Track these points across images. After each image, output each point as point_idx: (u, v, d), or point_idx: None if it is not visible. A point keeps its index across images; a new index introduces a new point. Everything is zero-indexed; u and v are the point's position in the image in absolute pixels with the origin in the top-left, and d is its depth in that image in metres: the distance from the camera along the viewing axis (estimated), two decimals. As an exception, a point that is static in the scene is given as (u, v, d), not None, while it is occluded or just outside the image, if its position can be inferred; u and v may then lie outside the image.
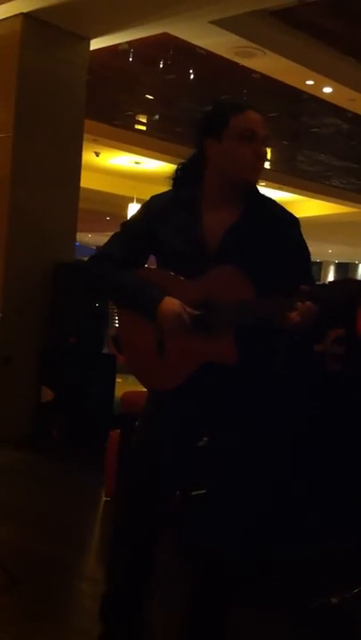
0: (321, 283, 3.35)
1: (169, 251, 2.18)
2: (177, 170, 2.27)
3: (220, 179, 2.16)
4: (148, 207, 2.25)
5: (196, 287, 2.13)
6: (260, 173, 2.17)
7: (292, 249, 2.19)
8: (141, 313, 2.17)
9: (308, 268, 2.25)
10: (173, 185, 2.27)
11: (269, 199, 2.23)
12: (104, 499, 4.26)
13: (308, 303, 2.00)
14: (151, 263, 2.31)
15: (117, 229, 2.32)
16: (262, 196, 2.22)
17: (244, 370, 2.11)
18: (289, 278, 2.10)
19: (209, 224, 2.16)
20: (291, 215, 2.23)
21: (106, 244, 2.30)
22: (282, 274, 2.12)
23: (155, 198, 2.26)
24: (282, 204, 2.25)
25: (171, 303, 2.11)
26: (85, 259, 2.53)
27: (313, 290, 2.02)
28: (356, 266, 24.75)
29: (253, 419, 2.21)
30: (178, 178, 2.26)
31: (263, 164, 2.17)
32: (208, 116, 2.18)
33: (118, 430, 4.20)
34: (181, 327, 2.11)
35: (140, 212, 2.29)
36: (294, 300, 2.01)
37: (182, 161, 2.27)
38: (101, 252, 2.29)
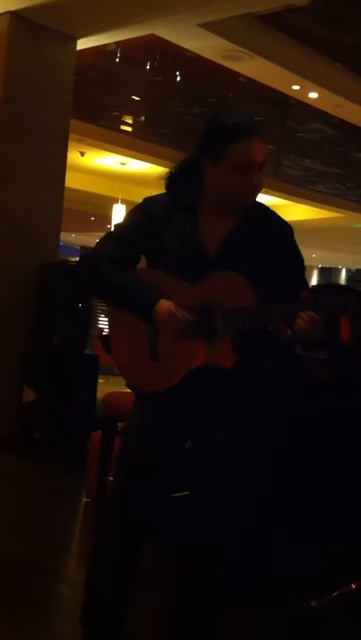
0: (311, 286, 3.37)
1: (167, 254, 2.16)
2: (172, 173, 2.24)
3: (216, 194, 2.16)
4: (146, 209, 2.22)
5: (196, 291, 2.12)
6: (255, 196, 2.17)
7: (288, 256, 2.22)
8: (137, 314, 2.15)
9: (302, 275, 2.28)
10: (168, 188, 2.25)
11: (266, 207, 2.24)
12: (85, 500, 4.24)
13: (310, 312, 2.00)
14: (141, 263, 2.29)
15: (102, 229, 2.30)
16: (259, 203, 2.23)
17: (235, 373, 2.10)
18: (285, 285, 2.15)
19: (207, 229, 2.16)
20: (286, 223, 2.25)
21: (100, 243, 2.25)
22: (278, 280, 2.16)
23: (151, 200, 2.24)
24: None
25: (166, 305, 2.09)
26: (71, 259, 2.50)
27: (315, 299, 2.03)
28: (339, 271, 24.88)
29: (243, 419, 2.21)
30: (174, 181, 2.24)
31: (259, 189, 2.15)
32: (208, 132, 2.12)
33: (100, 432, 4.19)
34: (177, 330, 2.09)
35: (136, 213, 2.25)
36: (296, 307, 2.02)
37: (175, 164, 2.24)
38: (98, 251, 2.24)
